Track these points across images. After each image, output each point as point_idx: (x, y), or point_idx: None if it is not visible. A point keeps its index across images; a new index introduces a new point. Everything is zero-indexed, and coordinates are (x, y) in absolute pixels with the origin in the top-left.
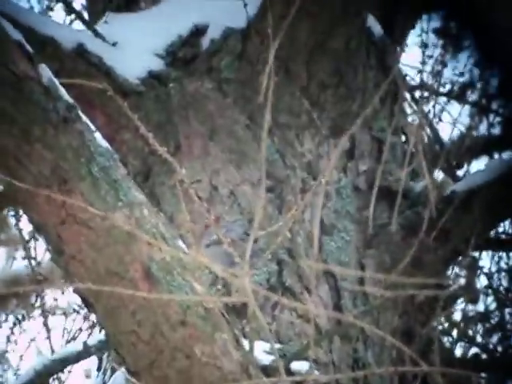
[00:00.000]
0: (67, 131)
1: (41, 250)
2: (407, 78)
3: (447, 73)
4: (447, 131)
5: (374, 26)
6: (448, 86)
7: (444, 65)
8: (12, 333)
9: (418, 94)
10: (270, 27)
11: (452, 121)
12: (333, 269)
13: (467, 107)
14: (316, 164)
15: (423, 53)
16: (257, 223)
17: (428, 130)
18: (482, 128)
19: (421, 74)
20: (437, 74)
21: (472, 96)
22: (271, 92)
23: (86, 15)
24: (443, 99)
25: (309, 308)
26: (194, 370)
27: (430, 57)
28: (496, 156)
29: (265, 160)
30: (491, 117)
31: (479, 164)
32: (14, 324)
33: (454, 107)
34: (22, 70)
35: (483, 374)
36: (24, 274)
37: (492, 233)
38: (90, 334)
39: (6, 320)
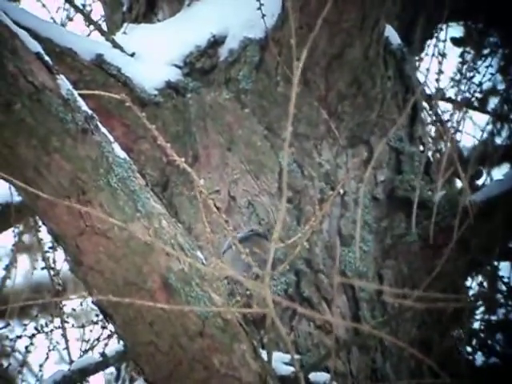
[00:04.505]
0: (86, 142)
1: (60, 259)
2: (425, 87)
3: (466, 81)
4: (466, 139)
5: (392, 35)
6: (468, 95)
7: (465, 75)
8: (31, 343)
9: (442, 104)
10: (292, 37)
11: (471, 129)
12: (354, 282)
13: (487, 115)
14: (334, 174)
15: (440, 62)
16: (277, 234)
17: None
18: (503, 136)
19: (438, 83)
20: (457, 84)
21: (492, 104)
22: (293, 103)
23: (104, 26)
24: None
25: (327, 318)
26: (212, 380)
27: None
28: None
29: (286, 171)
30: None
31: (500, 172)
32: (35, 333)
33: (474, 115)
34: (41, 81)
35: None
36: (46, 281)
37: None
38: (107, 344)
39: (25, 329)
